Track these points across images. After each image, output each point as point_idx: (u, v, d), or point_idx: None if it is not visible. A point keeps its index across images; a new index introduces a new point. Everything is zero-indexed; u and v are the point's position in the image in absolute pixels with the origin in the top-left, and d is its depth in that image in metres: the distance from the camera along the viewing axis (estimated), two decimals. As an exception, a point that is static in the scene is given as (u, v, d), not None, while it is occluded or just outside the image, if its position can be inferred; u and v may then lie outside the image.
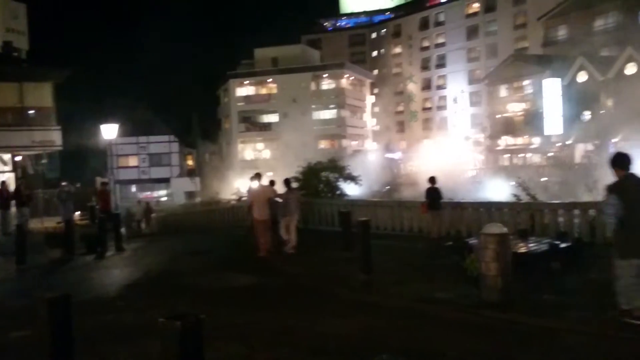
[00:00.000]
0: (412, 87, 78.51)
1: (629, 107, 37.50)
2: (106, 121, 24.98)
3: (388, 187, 45.30)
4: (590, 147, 46.52)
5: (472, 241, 10.51)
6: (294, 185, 21.85)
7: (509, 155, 55.36)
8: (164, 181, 60.15)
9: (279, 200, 14.06)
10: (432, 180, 15.01)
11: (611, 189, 6.64)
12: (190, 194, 55.18)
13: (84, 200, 25.80)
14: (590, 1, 50.05)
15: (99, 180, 31.67)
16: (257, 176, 14.20)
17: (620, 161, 6.73)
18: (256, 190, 13.77)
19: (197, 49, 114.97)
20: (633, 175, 6.62)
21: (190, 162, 67.75)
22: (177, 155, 62.78)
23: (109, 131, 24.73)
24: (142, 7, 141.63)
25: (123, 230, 19.35)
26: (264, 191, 13.60)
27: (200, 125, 67.55)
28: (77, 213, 24.32)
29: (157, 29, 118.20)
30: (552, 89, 48.16)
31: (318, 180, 23.75)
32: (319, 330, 7.33)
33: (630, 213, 6.40)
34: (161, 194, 59.84)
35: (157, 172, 60.94)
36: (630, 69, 42.61)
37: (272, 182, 15.50)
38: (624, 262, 6.60)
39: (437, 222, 14.80)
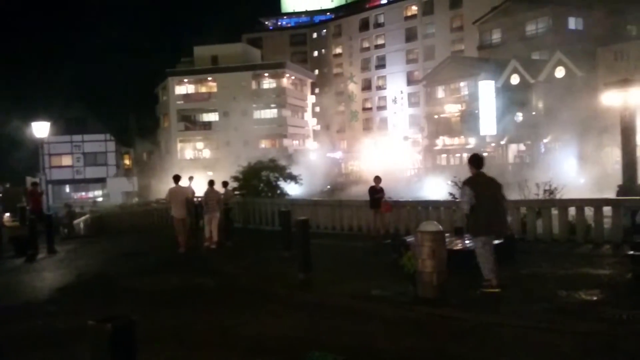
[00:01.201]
0: (353, 87, 79.29)
1: (558, 109, 39.16)
2: (37, 119, 24.02)
3: (329, 186, 45.58)
4: (522, 147, 48.36)
5: (410, 239, 10.73)
6: (233, 184, 21.86)
7: (446, 155, 56.70)
8: (100, 181, 58.43)
9: (197, 199, 15.07)
10: (376, 179, 15.17)
11: (466, 182, 8.29)
12: (127, 194, 53.85)
13: (14, 201, 24.76)
14: (522, 7, 52.00)
15: (29, 180, 30.44)
16: (176, 178, 14.71)
17: (474, 161, 8.27)
18: (174, 190, 14.37)
19: (135, 46, 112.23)
20: (482, 173, 8.23)
21: (127, 162, 66.06)
22: (113, 154, 61.04)
23: (40, 129, 23.78)
24: (80, 1, 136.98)
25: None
26: (181, 191, 14.29)
27: (138, 124, 65.99)
28: (7, 215, 23.33)
29: (94, 23, 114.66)
30: (486, 90, 49.71)
31: (259, 180, 23.66)
32: (257, 330, 7.29)
33: (479, 201, 7.96)
34: (97, 194, 58.13)
35: (93, 172, 59.11)
36: (559, 72, 44.48)
37: (211, 182, 16.03)
38: (476, 240, 8.26)
39: (378, 221, 15.00)
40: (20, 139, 36.62)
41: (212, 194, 15.33)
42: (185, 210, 14.19)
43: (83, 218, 27.79)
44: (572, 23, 50.68)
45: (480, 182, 8.23)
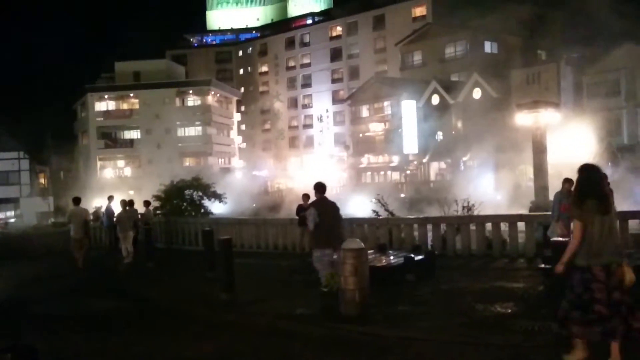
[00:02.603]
0: (279, 106, 79.53)
1: (476, 128, 40.79)
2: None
3: (254, 204, 45.24)
4: (443, 165, 49.96)
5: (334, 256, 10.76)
6: (156, 203, 21.38)
7: (371, 172, 57.70)
8: (13, 201, 55.46)
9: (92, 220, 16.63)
10: (304, 197, 15.11)
11: (312, 204, 10.09)
12: (42, 215, 51.32)
13: None
14: (441, 30, 54.11)
15: None
16: (76, 200, 15.47)
17: (319, 187, 9.98)
18: (73, 211, 15.27)
19: (53, 60, 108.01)
20: (325, 198, 9.96)
21: (42, 181, 63.06)
22: (27, 173, 58.13)
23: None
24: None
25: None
26: (80, 213, 15.11)
27: (54, 141, 63.21)
28: None
29: (8, 33, 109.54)
30: (408, 110, 51.17)
31: (182, 199, 23.15)
32: (177, 353, 7.07)
33: (321, 220, 9.54)
34: (9, 214, 55.08)
35: (4, 192, 56.02)
36: (476, 93, 46.43)
37: (130, 202, 16.06)
38: (317, 251, 9.73)
39: (304, 239, 14.95)
40: None
41: (125, 213, 16.15)
42: (83, 230, 14.89)
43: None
44: (488, 47, 53.13)
45: (323, 205, 9.84)
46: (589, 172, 5.66)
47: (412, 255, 10.91)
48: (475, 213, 15.91)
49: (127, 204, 16.48)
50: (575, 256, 5.54)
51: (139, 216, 17.39)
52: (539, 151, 17.37)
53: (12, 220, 52.12)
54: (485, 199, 20.12)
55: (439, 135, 49.68)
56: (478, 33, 52.22)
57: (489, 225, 13.49)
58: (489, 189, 33.82)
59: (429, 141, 49.57)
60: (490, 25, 49.20)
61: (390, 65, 65.96)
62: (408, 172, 53.11)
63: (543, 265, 9.83)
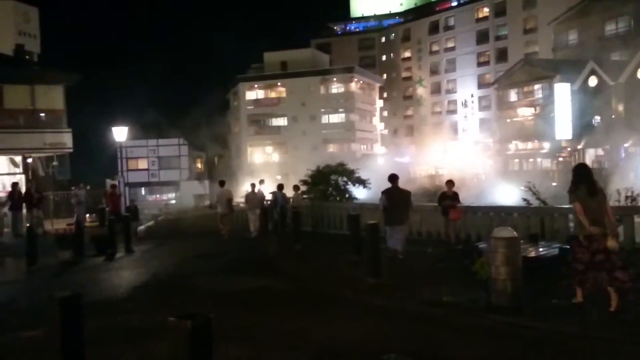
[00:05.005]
0: (422, 91, 78.44)
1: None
2: (116, 124, 25.10)
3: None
4: (601, 152, 46.33)
5: (482, 245, 10.47)
6: (303, 188, 22.25)
7: (519, 160, 55.12)
8: (173, 184, 60.23)
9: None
10: (449, 184, 14.69)
11: (383, 192, 12.54)
12: (199, 197, 55.22)
13: (95, 202, 25.88)
14: (601, 6, 49.89)
15: (108, 182, 31.76)
16: (221, 183, 19.24)
17: (391, 178, 12.49)
18: (219, 192, 18.85)
19: (206, 52, 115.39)
20: (396, 186, 12.42)
21: (199, 165, 67.82)
22: (186, 158, 62.78)
23: (119, 133, 24.87)
24: (150, 11, 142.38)
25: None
26: (224, 193, 18.56)
27: (209, 129, 67.65)
28: (88, 215, 24.42)
29: (166, 32, 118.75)
30: (562, 93, 47.98)
31: (327, 184, 23.76)
32: (326, 333, 7.30)
33: (390, 204, 12.20)
34: (170, 196, 59.89)
35: (167, 175, 60.98)
36: (641, 74, 42.39)
37: (280, 186, 17.19)
38: (387, 227, 12.37)
39: (448, 227, 14.65)
40: (101, 143, 38.31)
41: (252, 195, 19.13)
42: (227, 207, 17.98)
43: (156, 220, 28.77)
44: (655, 21, 48.21)
45: (391, 192, 12.33)
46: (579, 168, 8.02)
47: (568, 247, 10.29)
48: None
49: (258, 184, 19.73)
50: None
51: (290, 200, 18.30)
52: None
53: (173, 201, 56.71)
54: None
55: (597, 120, 46.08)
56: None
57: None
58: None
59: (585, 126, 46.14)
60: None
61: (541, 46, 62.32)
62: (560, 159, 49.93)
63: None
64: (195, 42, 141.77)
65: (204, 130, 66.93)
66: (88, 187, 29.81)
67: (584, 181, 7.70)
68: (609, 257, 7.39)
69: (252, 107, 66.43)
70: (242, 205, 22.17)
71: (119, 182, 26.36)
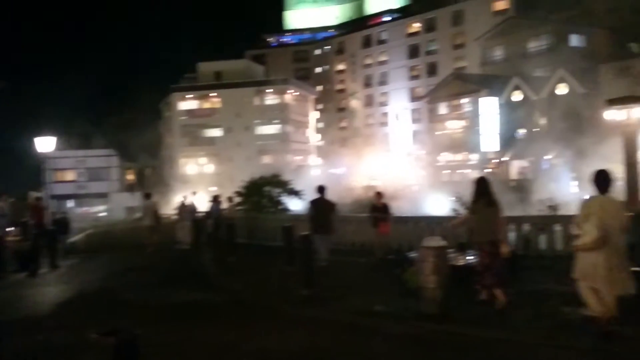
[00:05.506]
0: (355, 104, 79.50)
1: (560, 125, 39.17)
2: (42, 134, 24.07)
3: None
4: (525, 163, 48.32)
5: (412, 255, 10.67)
6: (237, 199, 22.03)
7: (450, 170, 56.64)
8: (103, 196, 58.50)
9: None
10: (377, 196, 14.92)
11: (310, 202, 13.21)
12: (130, 209, 53.81)
13: (18, 215, 24.66)
14: (524, 24, 52.28)
15: (32, 194, 30.35)
16: (147, 195, 19.78)
17: (319, 189, 12.91)
18: (145, 204, 19.33)
19: (139, 63, 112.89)
20: (321, 197, 12.87)
21: (130, 177, 66.10)
22: (116, 169, 61.18)
23: (45, 144, 23.86)
24: (83, 17, 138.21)
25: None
26: (150, 205, 18.87)
27: (141, 140, 66.07)
28: (11, 229, 23.24)
29: (97, 39, 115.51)
30: (489, 107, 49.79)
31: (261, 195, 23.65)
32: (259, 345, 7.25)
33: (315, 214, 12.66)
34: (100, 209, 58.11)
35: (96, 187, 59.23)
36: (561, 89, 44.57)
37: (215, 197, 17.03)
38: (315, 235, 11.68)
39: (377, 239, 14.82)
40: (26, 154, 36.66)
41: (182, 207, 19.76)
42: (154, 220, 18.22)
43: (85, 233, 27.76)
44: (574, 40, 50.90)
45: (317, 202, 12.88)
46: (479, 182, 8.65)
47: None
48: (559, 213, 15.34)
49: (190, 195, 20.47)
50: None
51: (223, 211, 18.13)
52: (631, 149, 16.52)
53: (103, 214, 54.99)
54: (570, 198, 19.34)
55: (521, 133, 48.08)
56: (563, 26, 50.11)
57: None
58: (574, 188, 32.44)
59: (510, 139, 48.05)
60: (576, 18, 47.05)
61: (469, 61, 64.51)
62: (487, 170, 51.71)
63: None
64: (129, 52, 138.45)
65: (136, 141, 65.32)
66: (11, 200, 28.39)
67: (484, 194, 8.48)
68: (493, 262, 8.26)
69: (186, 117, 65.41)
70: (173, 217, 21.81)
71: (43, 195, 25.23)
